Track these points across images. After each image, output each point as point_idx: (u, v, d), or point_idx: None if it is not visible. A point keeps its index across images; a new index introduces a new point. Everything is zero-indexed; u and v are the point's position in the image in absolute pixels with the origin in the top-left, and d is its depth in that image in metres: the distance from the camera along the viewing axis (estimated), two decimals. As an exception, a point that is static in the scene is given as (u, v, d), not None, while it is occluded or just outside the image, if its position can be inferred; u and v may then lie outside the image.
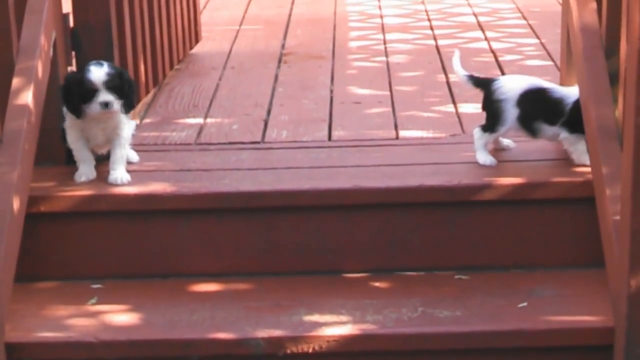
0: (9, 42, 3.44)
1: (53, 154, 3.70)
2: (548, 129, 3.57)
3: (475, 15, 6.12)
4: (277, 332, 3.10)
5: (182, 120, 4.22)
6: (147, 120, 4.25)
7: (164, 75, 4.74)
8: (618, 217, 3.00)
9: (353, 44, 5.54)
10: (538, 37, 5.47)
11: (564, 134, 3.55)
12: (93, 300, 3.34)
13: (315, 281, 3.43)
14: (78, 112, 3.47)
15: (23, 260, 3.31)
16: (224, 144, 3.86)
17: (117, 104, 3.45)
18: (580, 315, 3.15)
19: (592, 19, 3.55)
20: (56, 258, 3.49)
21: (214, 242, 3.48)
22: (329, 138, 3.99)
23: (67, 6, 3.82)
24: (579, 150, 3.53)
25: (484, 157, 3.60)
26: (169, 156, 3.81)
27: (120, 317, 3.22)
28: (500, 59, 5.06)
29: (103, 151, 3.64)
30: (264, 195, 3.46)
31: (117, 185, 3.51)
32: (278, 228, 3.47)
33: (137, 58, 4.26)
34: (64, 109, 3.53)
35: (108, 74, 3.43)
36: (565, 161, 3.60)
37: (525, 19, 5.94)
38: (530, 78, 3.65)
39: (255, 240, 3.47)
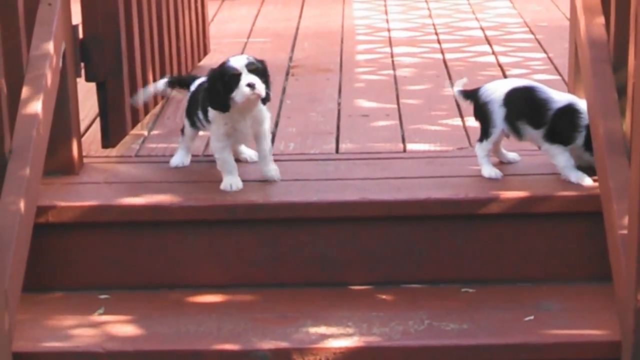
0: (18, 53, 3.45)
1: (62, 164, 3.71)
2: (531, 132, 3.57)
3: (482, 29, 6.13)
4: (283, 344, 3.10)
5: (189, 132, 4.23)
6: (155, 132, 4.26)
7: (172, 87, 4.74)
8: (625, 232, 3.00)
9: (360, 57, 5.55)
10: (545, 52, 5.47)
11: (544, 146, 3.56)
12: (100, 311, 3.34)
13: (322, 293, 3.43)
14: (226, 105, 3.44)
15: (31, 271, 3.32)
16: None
17: (262, 86, 3.42)
18: (586, 329, 3.15)
19: (599, 33, 3.55)
20: (64, 268, 3.50)
21: (221, 253, 3.49)
22: (337, 151, 4.00)
23: (76, 18, 3.84)
24: (561, 164, 3.53)
25: (489, 170, 3.61)
26: (176, 168, 3.81)
27: (127, 327, 3.23)
28: (507, 73, 5.07)
29: (246, 157, 3.73)
30: (272, 207, 3.47)
31: (273, 180, 3.57)
32: (285, 240, 3.48)
33: (146, 70, 4.27)
34: (210, 115, 3.54)
35: (248, 59, 3.44)
36: (572, 175, 3.60)
37: (532, 33, 5.95)
38: (518, 79, 3.67)
39: (262, 251, 3.48)
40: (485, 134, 3.62)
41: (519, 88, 3.58)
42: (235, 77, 3.42)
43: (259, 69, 3.45)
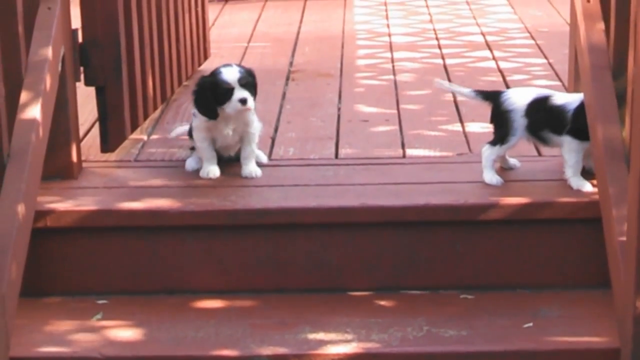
0: (17, 57, 3.45)
1: (60, 169, 3.70)
2: (555, 138, 3.58)
3: (483, 34, 6.12)
4: (282, 350, 3.09)
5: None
6: (154, 137, 4.25)
7: (172, 92, 4.74)
8: (624, 238, 2.99)
9: (361, 62, 5.55)
10: (546, 57, 5.47)
11: (566, 138, 3.55)
12: (98, 316, 3.34)
13: (321, 299, 3.43)
14: (214, 114, 3.60)
15: (29, 275, 3.32)
16: (231, 160, 3.87)
17: (252, 100, 3.58)
18: (586, 336, 3.14)
19: (599, 39, 3.55)
20: (62, 273, 3.50)
21: (220, 258, 3.48)
22: (336, 156, 4.00)
23: (76, 22, 3.84)
24: (571, 161, 3.53)
25: (491, 176, 3.61)
26: (176, 172, 3.81)
27: (125, 332, 3.22)
28: (507, 78, 5.07)
29: (231, 153, 3.79)
30: (271, 212, 3.46)
31: (251, 178, 3.69)
32: (284, 245, 3.47)
33: (145, 74, 4.27)
34: (193, 111, 3.69)
35: (240, 72, 3.59)
36: (572, 181, 3.60)
37: (533, 39, 5.95)
38: (537, 89, 3.68)
39: (261, 257, 3.47)
40: (501, 140, 3.62)
41: (539, 99, 3.60)
42: (229, 91, 3.57)
43: (249, 82, 3.60)
